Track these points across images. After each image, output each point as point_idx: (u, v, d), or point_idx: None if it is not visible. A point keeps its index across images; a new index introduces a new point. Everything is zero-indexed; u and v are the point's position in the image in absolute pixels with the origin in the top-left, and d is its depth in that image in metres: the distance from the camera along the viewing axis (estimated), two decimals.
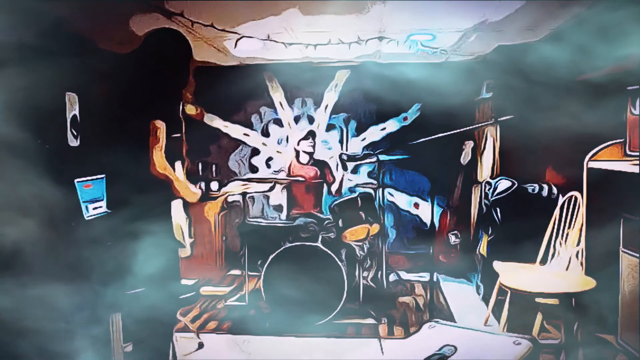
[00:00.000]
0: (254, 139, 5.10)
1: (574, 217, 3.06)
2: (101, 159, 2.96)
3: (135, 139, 2.32)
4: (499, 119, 3.44)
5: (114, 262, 2.55)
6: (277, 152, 5.10)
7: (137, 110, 2.33)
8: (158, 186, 2.33)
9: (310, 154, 4.43)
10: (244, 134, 5.09)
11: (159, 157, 2.28)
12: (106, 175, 3.13)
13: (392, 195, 4.97)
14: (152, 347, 2.49)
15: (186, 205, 2.44)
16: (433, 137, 3.18)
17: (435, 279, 4.28)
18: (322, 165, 4.52)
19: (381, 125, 5.00)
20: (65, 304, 2.49)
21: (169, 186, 2.35)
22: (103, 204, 3.11)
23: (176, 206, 2.38)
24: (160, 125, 2.30)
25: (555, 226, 3.18)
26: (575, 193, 3.08)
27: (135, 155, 2.30)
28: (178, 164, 2.46)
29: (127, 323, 2.74)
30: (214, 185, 4.74)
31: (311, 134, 4.40)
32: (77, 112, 3.18)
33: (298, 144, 4.41)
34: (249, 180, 4.29)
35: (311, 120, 5.06)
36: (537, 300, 2.85)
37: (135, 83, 2.37)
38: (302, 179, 4.26)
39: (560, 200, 3.24)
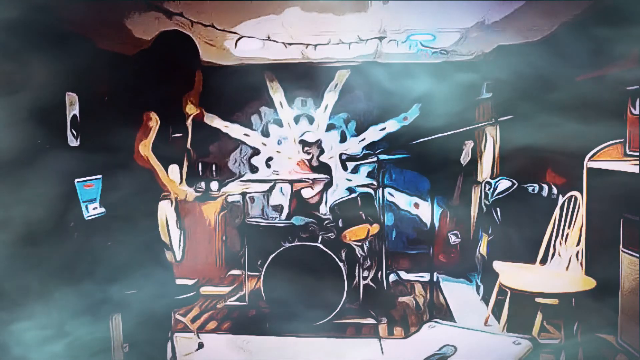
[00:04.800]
0: (254, 139, 5.10)
1: (574, 217, 3.06)
2: (101, 159, 2.96)
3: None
4: (499, 119, 3.44)
5: (109, 262, 2.55)
6: (277, 152, 5.10)
7: (139, 110, 2.33)
8: (155, 186, 2.32)
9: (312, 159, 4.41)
10: (244, 134, 5.09)
11: (143, 147, 2.27)
12: (103, 175, 3.13)
13: (392, 195, 4.96)
14: (146, 350, 2.49)
15: (177, 208, 2.43)
16: (433, 137, 3.18)
17: (435, 279, 4.27)
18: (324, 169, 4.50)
19: (381, 125, 5.00)
20: (65, 303, 2.49)
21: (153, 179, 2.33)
22: (97, 205, 3.11)
23: (163, 207, 2.37)
24: (153, 116, 2.29)
25: (555, 226, 3.18)
26: (575, 193, 3.08)
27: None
28: (173, 167, 2.45)
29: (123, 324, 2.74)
30: (214, 185, 4.73)
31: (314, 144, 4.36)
32: (77, 112, 3.18)
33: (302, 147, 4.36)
34: (249, 180, 4.29)
35: (311, 120, 5.06)
36: (537, 300, 2.84)
37: (140, 84, 2.37)
38: (306, 181, 4.25)
39: (560, 200, 3.24)
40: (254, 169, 5.11)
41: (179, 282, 2.86)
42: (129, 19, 3.15)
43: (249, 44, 3.72)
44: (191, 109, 2.51)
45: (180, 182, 2.51)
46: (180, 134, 2.52)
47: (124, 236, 2.37)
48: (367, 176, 5.05)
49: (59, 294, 2.48)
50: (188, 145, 2.67)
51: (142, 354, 2.50)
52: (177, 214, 2.42)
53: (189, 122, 2.62)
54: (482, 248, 3.95)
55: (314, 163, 4.34)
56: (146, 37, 3.55)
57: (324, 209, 4.31)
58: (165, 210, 2.35)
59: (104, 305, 2.85)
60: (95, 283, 2.75)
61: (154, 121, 2.28)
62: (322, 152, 4.38)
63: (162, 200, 2.36)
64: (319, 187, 4.25)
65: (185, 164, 2.56)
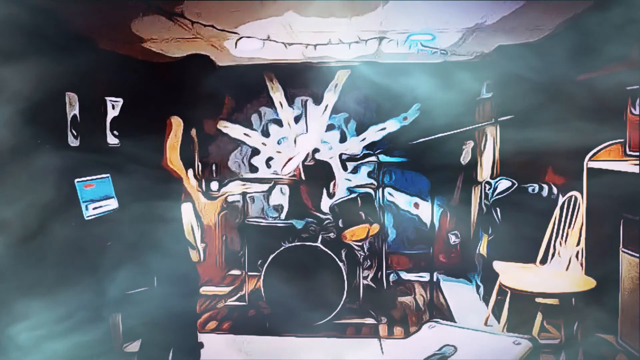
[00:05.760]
0: (254, 139, 5.10)
1: (574, 217, 3.06)
2: (104, 158, 2.97)
3: (145, 139, 2.31)
4: (499, 119, 3.44)
5: (120, 260, 2.56)
6: (277, 152, 5.10)
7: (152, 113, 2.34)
8: (166, 185, 2.33)
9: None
10: (244, 134, 5.09)
11: (173, 154, 2.29)
12: (111, 174, 3.15)
13: (392, 195, 4.96)
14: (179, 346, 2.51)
15: (196, 209, 2.44)
16: (433, 137, 3.18)
17: (435, 279, 4.28)
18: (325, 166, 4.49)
19: (381, 125, 5.00)
20: (65, 303, 2.49)
21: (180, 184, 2.35)
22: (113, 201, 3.16)
23: (187, 209, 2.38)
24: (177, 121, 2.30)
25: (555, 226, 3.18)
26: (575, 193, 3.08)
27: (144, 154, 2.30)
28: (190, 171, 2.46)
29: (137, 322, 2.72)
30: (214, 185, 4.73)
31: (314, 151, 4.36)
32: (77, 112, 3.18)
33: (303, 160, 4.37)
34: (249, 180, 4.28)
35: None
36: (537, 300, 2.85)
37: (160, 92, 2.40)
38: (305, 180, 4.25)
39: (560, 200, 3.24)
40: (254, 169, 5.11)
41: None
42: (130, 19, 3.15)
43: (249, 44, 3.72)
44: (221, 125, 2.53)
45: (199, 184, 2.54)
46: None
47: (130, 236, 2.38)
48: (367, 176, 5.05)
49: (58, 293, 2.48)
50: (196, 151, 2.69)
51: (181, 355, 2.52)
52: (197, 216, 2.43)
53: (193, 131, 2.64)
54: (482, 248, 3.95)
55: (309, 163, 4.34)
56: (147, 37, 3.56)
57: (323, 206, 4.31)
58: (189, 213, 2.38)
59: (109, 304, 2.86)
60: (100, 283, 2.75)
61: (178, 126, 2.29)
62: (316, 150, 4.38)
63: (184, 202, 2.38)
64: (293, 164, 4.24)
65: (198, 166, 2.58)
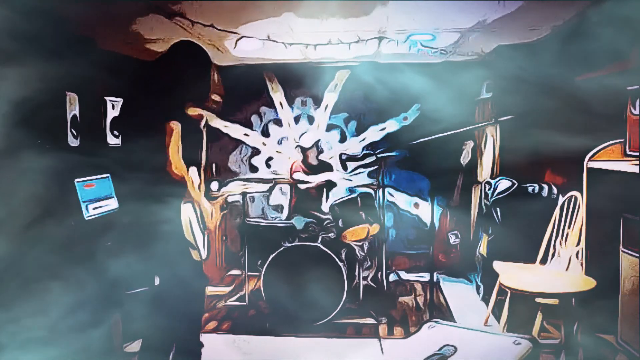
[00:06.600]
0: (254, 139, 5.10)
1: (574, 217, 3.06)
2: (104, 158, 2.97)
3: (146, 140, 2.31)
4: (499, 119, 3.44)
5: (120, 260, 2.56)
6: (277, 152, 5.10)
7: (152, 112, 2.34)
8: (168, 185, 2.33)
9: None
10: (244, 134, 5.09)
11: (175, 158, 2.30)
12: (111, 174, 3.16)
13: (392, 195, 4.96)
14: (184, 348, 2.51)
15: (196, 210, 2.45)
16: (433, 137, 3.18)
17: (435, 279, 4.27)
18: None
19: (381, 125, 5.00)
20: (65, 303, 2.50)
21: (182, 187, 2.36)
22: (113, 201, 3.19)
23: (187, 209, 2.39)
24: (176, 126, 2.30)
25: (555, 226, 3.18)
26: (575, 193, 3.08)
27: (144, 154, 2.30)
28: (193, 170, 2.46)
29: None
30: (214, 185, 4.74)
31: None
32: (77, 112, 3.18)
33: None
34: (249, 180, 4.28)
35: (311, 120, 5.06)
36: (537, 300, 2.85)
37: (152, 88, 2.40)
38: (306, 181, 4.24)
39: (560, 200, 3.24)
40: (254, 169, 5.12)
41: None
42: (130, 19, 3.15)
43: (249, 44, 3.72)
44: (192, 110, 2.51)
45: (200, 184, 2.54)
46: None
47: (131, 236, 2.38)
48: (367, 176, 5.05)
49: (58, 294, 2.48)
50: (204, 150, 2.70)
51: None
52: (198, 215, 2.44)
53: (203, 126, 2.65)
54: (482, 248, 3.95)
55: (313, 162, 4.33)
56: (147, 37, 3.56)
57: (324, 207, 4.30)
58: (188, 212, 2.38)
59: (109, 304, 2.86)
60: (99, 283, 2.75)
61: (177, 131, 2.30)
62: (321, 151, 4.37)
63: (184, 203, 2.39)
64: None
65: (202, 167, 2.58)
